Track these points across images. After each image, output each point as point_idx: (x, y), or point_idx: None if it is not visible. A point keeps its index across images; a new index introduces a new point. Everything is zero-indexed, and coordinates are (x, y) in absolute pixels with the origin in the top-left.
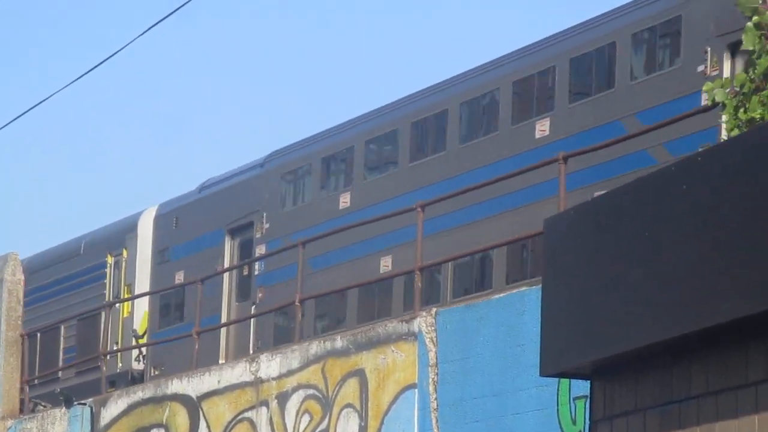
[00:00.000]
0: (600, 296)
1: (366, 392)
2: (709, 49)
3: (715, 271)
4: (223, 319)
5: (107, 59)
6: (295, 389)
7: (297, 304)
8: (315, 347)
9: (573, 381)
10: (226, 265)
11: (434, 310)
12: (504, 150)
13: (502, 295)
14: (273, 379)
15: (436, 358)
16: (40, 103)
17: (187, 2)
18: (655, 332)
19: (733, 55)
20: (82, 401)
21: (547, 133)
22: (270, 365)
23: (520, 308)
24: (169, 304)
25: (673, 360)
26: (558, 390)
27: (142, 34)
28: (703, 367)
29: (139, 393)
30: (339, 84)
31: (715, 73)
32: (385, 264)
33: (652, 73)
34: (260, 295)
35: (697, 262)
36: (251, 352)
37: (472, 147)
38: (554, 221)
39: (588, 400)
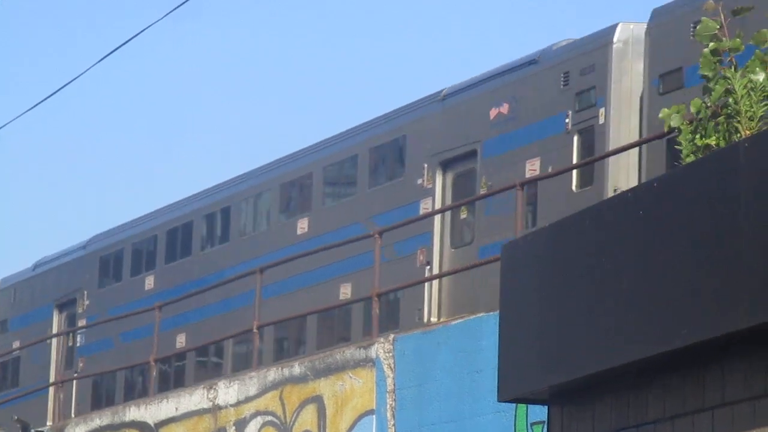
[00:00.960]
0: (557, 321)
1: (324, 419)
2: (426, 165)
3: (671, 297)
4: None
5: (100, 61)
6: (253, 416)
7: (255, 330)
8: (273, 374)
9: (530, 406)
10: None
11: (392, 336)
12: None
13: (459, 320)
14: (231, 405)
15: (394, 384)
16: (26, 111)
17: (180, 5)
18: (612, 357)
19: (444, 171)
20: (40, 429)
21: (306, 230)
22: (228, 392)
23: (477, 334)
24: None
25: (630, 385)
26: (515, 415)
27: (136, 35)
28: (661, 392)
29: (97, 420)
30: (334, 90)
31: (429, 186)
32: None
33: (385, 183)
34: (81, 364)
35: (654, 288)
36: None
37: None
38: (511, 247)
39: (545, 426)
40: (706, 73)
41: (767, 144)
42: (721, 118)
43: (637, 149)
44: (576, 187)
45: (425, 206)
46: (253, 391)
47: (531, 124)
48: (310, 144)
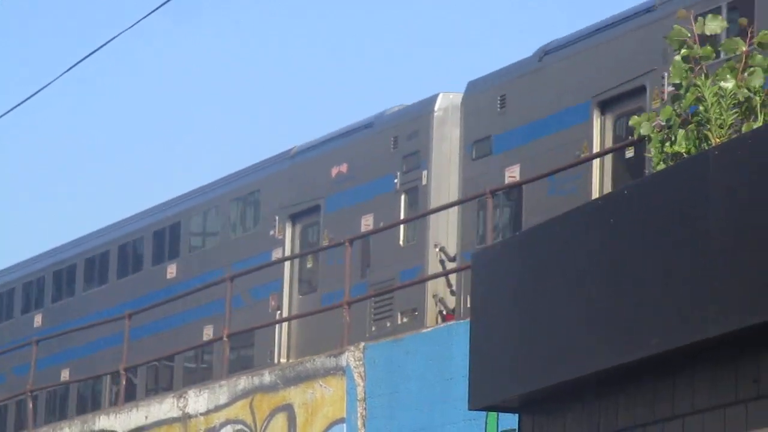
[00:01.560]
0: (528, 330)
1: (294, 427)
2: (277, 217)
3: (641, 305)
4: None
5: (94, 51)
6: (223, 425)
7: (225, 339)
8: (243, 382)
9: (501, 414)
10: None
11: (362, 344)
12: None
13: (429, 329)
14: (201, 414)
15: (365, 393)
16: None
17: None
18: (583, 366)
19: (293, 223)
20: None
21: (174, 275)
22: (198, 401)
23: (447, 342)
24: None
25: (600, 393)
26: (486, 423)
27: (126, 29)
28: (631, 400)
29: (66, 429)
30: (333, 86)
31: (280, 237)
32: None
33: (243, 232)
34: None
35: (624, 296)
36: None
37: None
38: (482, 255)
39: None
40: (676, 81)
41: (737, 152)
42: (691, 126)
43: (456, 208)
44: (402, 241)
45: (277, 255)
46: (223, 399)
47: (366, 183)
48: (180, 193)
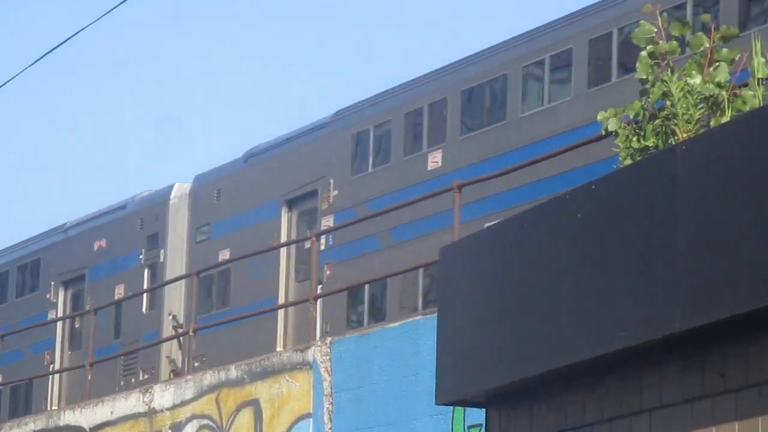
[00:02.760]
0: (495, 324)
1: (260, 422)
2: (53, 283)
3: (609, 299)
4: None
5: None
6: (189, 419)
7: (191, 334)
8: (209, 377)
9: (468, 409)
10: None
11: (329, 339)
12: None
13: (396, 324)
14: (167, 409)
15: (331, 388)
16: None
17: None
18: (550, 360)
19: (66, 289)
20: None
21: None
22: (164, 395)
23: (414, 337)
24: None
25: (568, 387)
26: (453, 418)
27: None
28: (598, 394)
29: (31, 424)
30: (330, 78)
31: (55, 300)
32: None
33: (27, 295)
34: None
35: (591, 290)
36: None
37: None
38: (449, 249)
39: (483, 429)
40: (643, 76)
41: (704, 147)
42: (658, 121)
43: (183, 282)
44: (146, 309)
45: (52, 315)
46: (189, 394)
47: (119, 257)
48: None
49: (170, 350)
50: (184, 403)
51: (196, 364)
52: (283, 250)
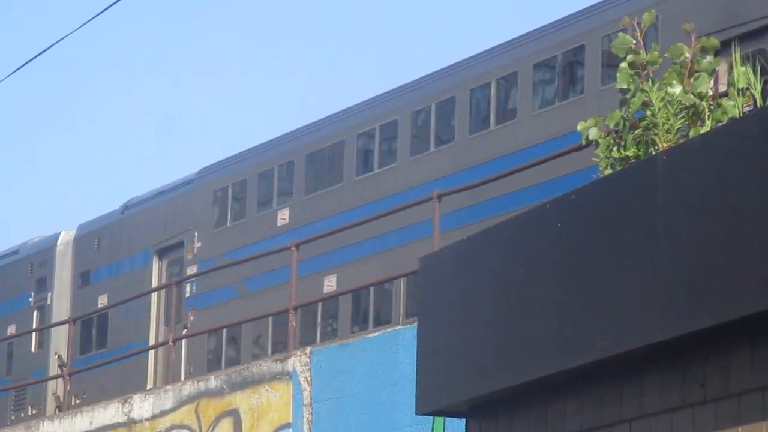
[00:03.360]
0: (475, 334)
1: None
2: None
3: (588, 309)
4: None
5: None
6: (168, 429)
7: (170, 343)
8: (188, 387)
9: (448, 419)
10: None
11: (309, 349)
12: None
13: (376, 333)
14: (146, 419)
15: (311, 398)
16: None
17: None
18: (530, 370)
19: None
20: None
21: None
22: (143, 405)
23: (394, 347)
24: None
25: (548, 397)
26: (433, 428)
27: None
28: (578, 404)
29: None
30: (330, 76)
31: None
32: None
33: None
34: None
35: (571, 300)
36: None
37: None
38: (429, 259)
39: None
40: (623, 86)
41: (684, 156)
42: (638, 131)
43: (65, 327)
44: (34, 348)
45: None
46: (168, 404)
47: (12, 299)
48: None
49: (56, 388)
50: (163, 413)
51: (77, 401)
52: (154, 296)
